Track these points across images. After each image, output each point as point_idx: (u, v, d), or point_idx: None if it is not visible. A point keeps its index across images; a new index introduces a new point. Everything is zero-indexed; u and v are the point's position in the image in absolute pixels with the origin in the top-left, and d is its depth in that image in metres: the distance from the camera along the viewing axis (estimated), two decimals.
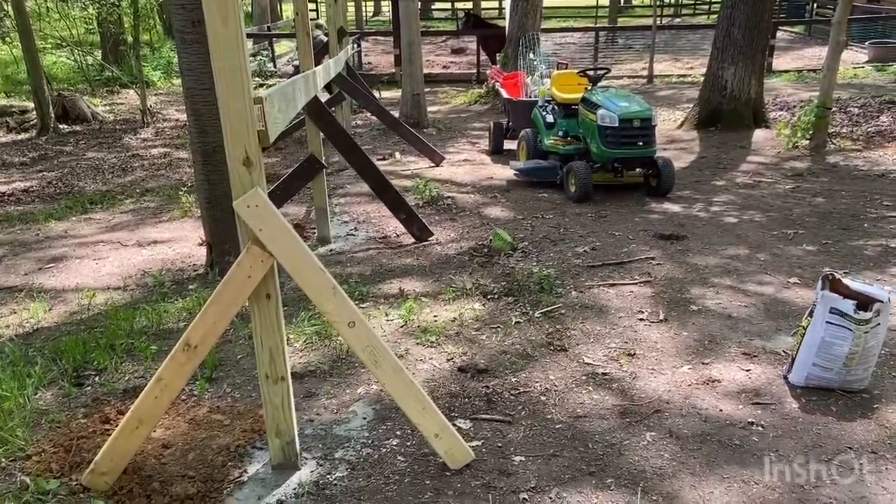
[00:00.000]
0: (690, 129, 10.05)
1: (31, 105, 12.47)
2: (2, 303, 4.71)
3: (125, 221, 6.79)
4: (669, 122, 10.70)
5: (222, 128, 2.42)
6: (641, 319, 4.27)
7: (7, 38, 15.55)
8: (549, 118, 7.75)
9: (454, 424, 3.16)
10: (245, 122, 2.40)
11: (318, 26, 14.86)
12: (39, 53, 14.57)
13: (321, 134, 5.54)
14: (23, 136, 11.70)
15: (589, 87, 7.29)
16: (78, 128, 12.07)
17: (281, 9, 31.24)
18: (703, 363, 3.72)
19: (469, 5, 29.60)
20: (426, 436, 2.83)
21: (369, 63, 19.93)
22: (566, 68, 8.54)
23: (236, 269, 2.55)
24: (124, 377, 3.62)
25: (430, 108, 13.24)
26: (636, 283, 4.81)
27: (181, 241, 6.03)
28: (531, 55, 9.48)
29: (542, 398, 3.42)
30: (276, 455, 2.85)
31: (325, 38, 13.41)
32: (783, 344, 3.88)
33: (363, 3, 29.44)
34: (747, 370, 3.63)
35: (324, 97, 6.73)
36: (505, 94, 9.22)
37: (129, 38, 18.23)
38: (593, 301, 4.54)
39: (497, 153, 9.18)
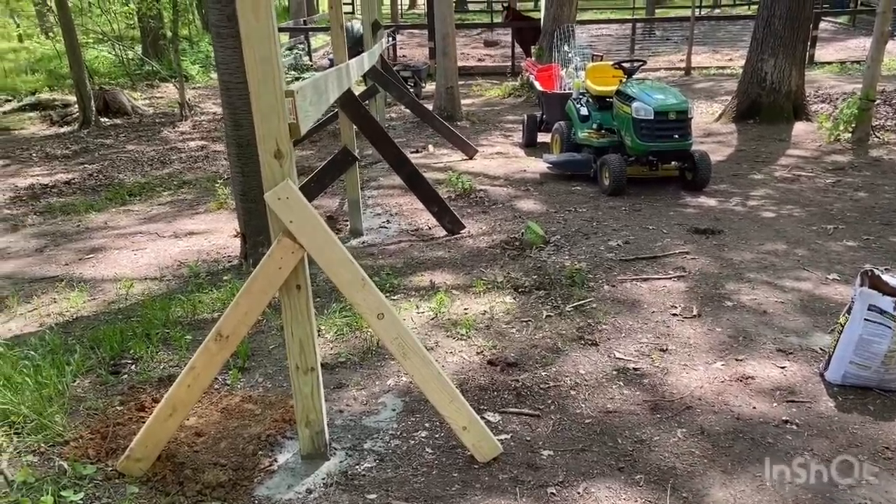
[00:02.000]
0: (728, 122, 9.87)
1: (73, 99, 12.75)
2: (43, 292, 4.83)
3: (163, 213, 6.91)
4: (707, 115, 10.53)
5: (254, 120, 2.44)
6: (674, 315, 4.22)
7: (50, 34, 15.89)
8: (584, 111, 7.69)
9: (483, 417, 3.16)
10: (276, 115, 2.42)
11: (376, 22, 14.83)
12: (81, 48, 14.90)
13: (354, 126, 5.57)
14: (65, 129, 11.99)
15: (624, 80, 7.21)
16: (118, 121, 12.31)
17: (317, 2, 31.45)
18: (736, 360, 3.67)
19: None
20: (454, 428, 2.84)
21: (404, 56, 19.96)
22: (601, 60, 8.44)
23: (267, 261, 2.57)
24: (160, 366, 3.69)
25: (464, 101, 13.22)
26: (670, 278, 4.75)
27: (217, 232, 6.11)
28: (565, 47, 9.40)
29: (572, 392, 3.41)
30: (305, 445, 2.88)
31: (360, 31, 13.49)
32: (820, 341, 3.81)
33: None
34: (782, 367, 3.56)
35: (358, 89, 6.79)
36: (539, 87, 9.16)
37: (169, 33, 18.50)
38: (625, 295, 4.49)
39: (531, 146, 9.13)
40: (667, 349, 3.81)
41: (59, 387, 3.33)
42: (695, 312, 4.22)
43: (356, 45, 10.72)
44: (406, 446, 3.01)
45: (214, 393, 3.40)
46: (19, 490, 2.54)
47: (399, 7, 29.76)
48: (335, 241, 2.58)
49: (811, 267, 4.83)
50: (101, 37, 16.98)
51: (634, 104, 6.68)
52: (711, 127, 9.84)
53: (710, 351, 3.78)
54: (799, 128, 9.32)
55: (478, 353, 3.78)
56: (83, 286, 4.90)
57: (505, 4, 22.21)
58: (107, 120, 12.28)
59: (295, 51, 18.38)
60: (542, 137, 8.96)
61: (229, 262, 5.26)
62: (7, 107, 14.77)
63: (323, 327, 4.06)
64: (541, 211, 6.40)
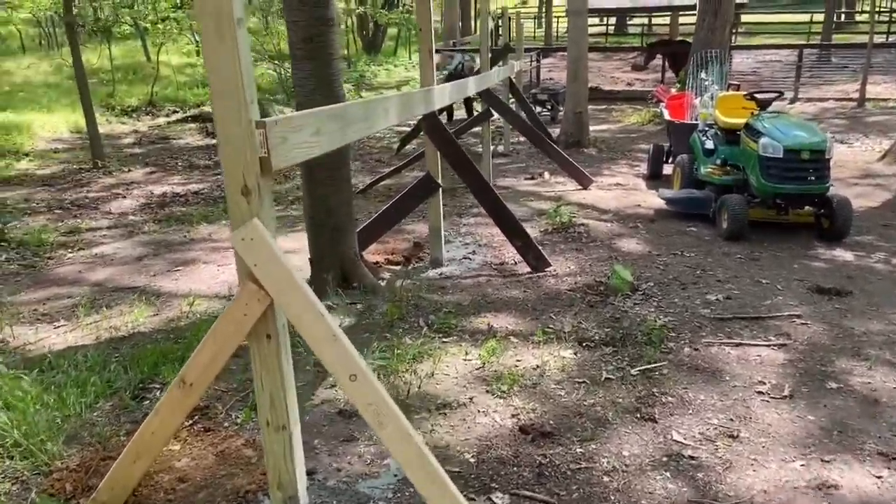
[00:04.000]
0: (893, 163, 8.64)
1: None
2: (119, 302, 4.96)
3: None
4: (870, 153, 9.32)
5: (219, 153, 2.23)
6: (760, 393, 3.56)
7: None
8: (709, 144, 6.98)
9: (489, 498, 2.77)
10: (242, 148, 2.19)
11: (506, 46, 14.61)
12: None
13: (439, 152, 5.32)
14: (215, 140, 12.72)
15: (756, 112, 6.45)
16: None
17: (474, 25, 31.80)
18: (822, 460, 3.00)
19: (666, 20, 28.25)
20: None
21: (550, 79, 19.61)
22: (738, 90, 7.65)
23: (233, 306, 2.35)
24: None
25: (599, 127, 12.69)
26: (768, 346, 4.07)
27: (302, 253, 6.05)
28: (702, 74, 8.65)
29: (605, 479, 2.91)
30: None
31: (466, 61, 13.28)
32: None
33: (555, 20, 29.12)
34: (879, 477, 2.86)
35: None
36: (667, 115, 8.49)
37: None
38: (707, 362, 3.88)
39: (655, 178, 8.49)
40: (738, 436, 3.19)
41: (75, 408, 3.31)
42: (786, 393, 3.55)
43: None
44: None
45: (221, 431, 3.24)
46: None
47: (556, 30, 29.40)
48: (303, 289, 2.31)
49: None
50: (261, 55, 18.00)
51: (762, 140, 5.94)
52: (873, 167, 8.67)
53: (792, 444, 3.12)
54: None
55: (512, 416, 3.36)
56: (154, 300, 4.98)
57: (665, 38, 21.27)
58: None
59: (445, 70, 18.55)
60: (669, 170, 8.28)
61: None
62: (173, 117, 16.03)
63: None
64: (641, 252, 5.81)
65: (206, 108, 16.49)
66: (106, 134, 13.64)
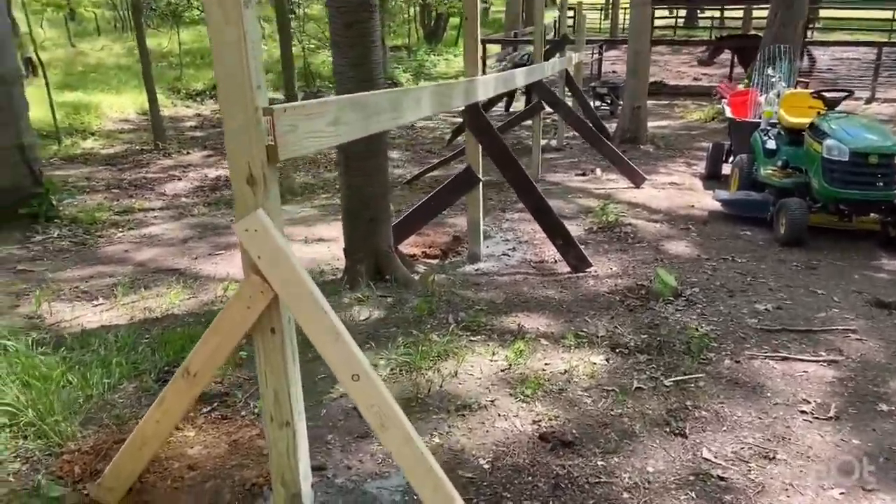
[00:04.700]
0: None
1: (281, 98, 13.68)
2: (158, 284, 5.02)
3: (307, 216, 7.02)
4: None
5: (225, 140, 2.17)
6: (803, 412, 3.34)
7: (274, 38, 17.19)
8: (770, 144, 6.65)
9: None
10: (247, 135, 2.12)
11: (564, 37, 14.31)
12: (310, 53, 15.96)
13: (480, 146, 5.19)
14: None
15: (823, 112, 6.10)
16: None
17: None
18: (864, 489, 2.78)
19: (739, 13, 27.28)
20: None
21: (614, 72, 19.21)
22: (806, 87, 7.27)
23: (236, 298, 2.29)
24: None
25: (659, 123, 12.34)
26: (817, 361, 3.82)
27: (341, 242, 6.03)
28: (769, 70, 8.25)
29: (624, 495, 2.76)
30: None
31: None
32: None
33: (622, 11, 28.44)
34: None
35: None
36: (728, 112, 8.14)
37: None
38: (748, 376, 3.66)
39: (713, 178, 8.16)
40: (774, 457, 2.99)
41: (98, 389, 3.33)
42: (831, 413, 3.31)
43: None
44: None
45: (236, 420, 3.21)
46: None
47: (622, 21, 28.72)
48: (308, 283, 2.23)
49: None
50: (320, 43, 18.13)
51: (827, 141, 5.62)
52: None
53: (833, 471, 2.91)
54: None
55: (533, 423, 3.23)
56: (192, 283, 5.01)
57: (735, 32, 20.56)
58: None
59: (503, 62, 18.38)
60: (728, 170, 7.94)
61: (333, 275, 5.13)
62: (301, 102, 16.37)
63: (381, 362, 3.73)
64: (689, 256, 5.57)
65: (271, 95, 16.69)
66: (170, 116, 13.97)
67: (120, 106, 14.14)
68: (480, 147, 5.19)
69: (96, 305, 4.60)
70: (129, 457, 2.55)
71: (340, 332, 2.25)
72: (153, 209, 7.48)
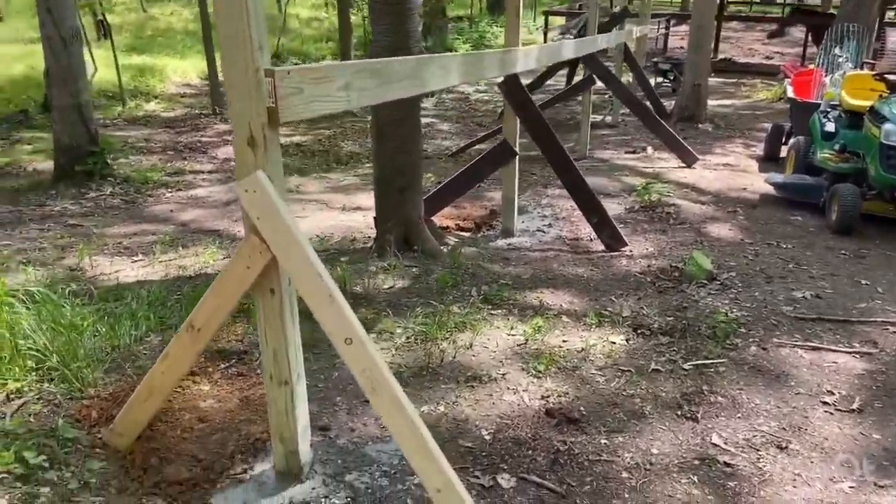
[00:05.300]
0: None
1: None
2: (196, 243, 5.16)
3: (349, 184, 7.08)
4: None
5: (227, 101, 2.20)
6: (825, 403, 3.23)
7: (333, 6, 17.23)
8: (829, 126, 6.36)
9: (494, 478, 2.67)
10: (248, 96, 2.15)
11: (625, 10, 13.97)
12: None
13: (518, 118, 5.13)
14: None
15: (885, 94, 5.80)
16: None
17: None
18: (876, 484, 2.68)
19: None
20: (427, 488, 2.38)
21: (681, 48, 18.62)
22: (872, 69, 6.90)
23: (236, 259, 2.34)
24: (226, 337, 3.68)
25: (722, 102, 11.95)
26: (849, 353, 3.68)
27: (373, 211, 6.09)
28: (836, 50, 7.86)
29: (624, 475, 2.73)
30: (279, 461, 2.63)
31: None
32: None
33: None
34: None
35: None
36: (790, 93, 7.82)
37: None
38: (773, 364, 3.55)
39: (771, 161, 7.88)
40: (787, 447, 2.91)
41: (124, 340, 3.46)
42: (854, 406, 3.19)
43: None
44: (390, 490, 2.61)
45: (251, 377, 3.29)
46: (4, 437, 2.63)
47: None
48: (303, 245, 2.26)
49: None
50: None
51: (886, 126, 5.34)
52: None
53: (846, 464, 2.81)
54: None
55: (541, 398, 3.21)
56: (228, 244, 5.14)
57: (810, 8, 19.59)
58: None
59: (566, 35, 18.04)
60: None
61: (364, 243, 5.17)
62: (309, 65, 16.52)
63: (398, 330, 3.76)
64: (732, 239, 5.40)
65: (326, 63, 16.82)
66: None
67: (183, 70, 14.47)
68: (518, 121, 5.12)
69: (135, 261, 4.77)
70: (137, 406, 2.65)
71: (335, 295, 2.27)
72: (202, 172, 7.67)
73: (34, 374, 3.05)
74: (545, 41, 18.15)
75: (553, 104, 8.95)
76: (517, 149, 5.18)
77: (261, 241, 2.28)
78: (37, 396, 2.94)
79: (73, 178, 6.65)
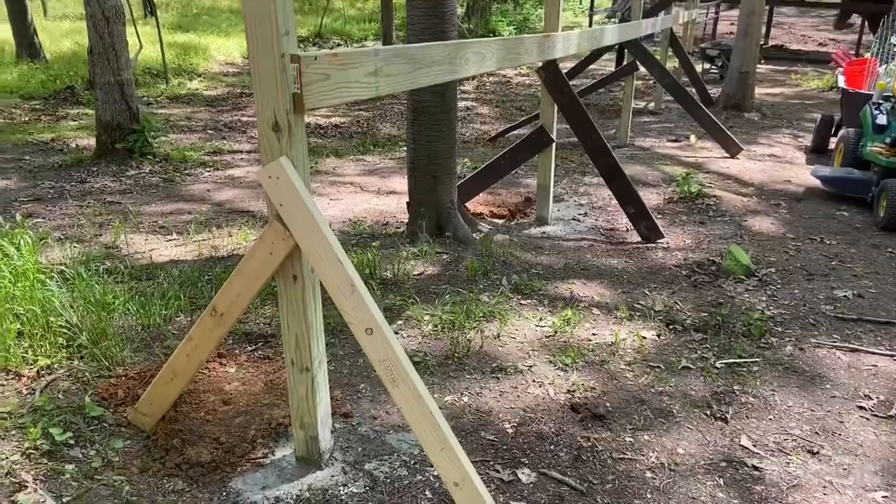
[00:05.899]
0: None
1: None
2: (230, 224, 5.19)
3: (385, 167, 7.06)
4: None
5: (252, 85, 2.18)
6: (861, 407, 3.12)
7: None
8: (881, 119, 6.12)
9: (514, 472, 2.63)
10: (274, 82, 2.12)
11: None
12: None
13: (556, 104, 5.03)
14: None
15: None
16: None
17: None
18: None
19: None
20: (445, 481, 2.36)
21: (731, 33, 18.14)
22: None
23: (258, 244, 2.33)
24: (253, 320, 3.70)
25: (771, 90, 11.63)
26: (890, 356, 3.54)
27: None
28: (893, 38, 7.55)
29: (647, 474, 2.67)
30: (299, 447, 2.64)
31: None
32: None
33: None
34: None
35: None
36: (842, 83, 7.54)
37: None
38: (809, 365, 3.44)
39: (818, 153, 7.65)
40: (818, 452, 2.82)
41: (155, 319, 3.50)
42: (892, 412, 3.08)
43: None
44: (409, 480, 2.60)
45: (276, 361, 3.30)
46: (33, 413, 2.68)
47: None
48: (325, 233, 2.24)
49: None
50: None
51: None
52: None
53: (881, 472, 2.71)
54: None
55: (567, 392, 3.17)
56: (261, 226, 5.15)
57: None
58: None
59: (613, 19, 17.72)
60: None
61: (396, 227, 5.15)
62: (336, 50, 16.52)
63: (426, 317, 3.74)
64: (773, 234, 5.24)
65: (368, 43, 16.81)
66: None
67: (227, 49, 14.60)
68: (556, 107, 5.03)
69: (169, 240, 4.82)
70: (161, 387, 2.67)
71: (356, 284, 2.25)
72: (241, 151, 7.72)
73: (64, 351, 3.11)
74: (590, 24, 17.83)
75: (595, 90, 8.80)
76: (553, 136, 5.10)
77: (284, 228, 2.27)
78: (66, 374, 2.99)
79: (114, 155, 6.76)
